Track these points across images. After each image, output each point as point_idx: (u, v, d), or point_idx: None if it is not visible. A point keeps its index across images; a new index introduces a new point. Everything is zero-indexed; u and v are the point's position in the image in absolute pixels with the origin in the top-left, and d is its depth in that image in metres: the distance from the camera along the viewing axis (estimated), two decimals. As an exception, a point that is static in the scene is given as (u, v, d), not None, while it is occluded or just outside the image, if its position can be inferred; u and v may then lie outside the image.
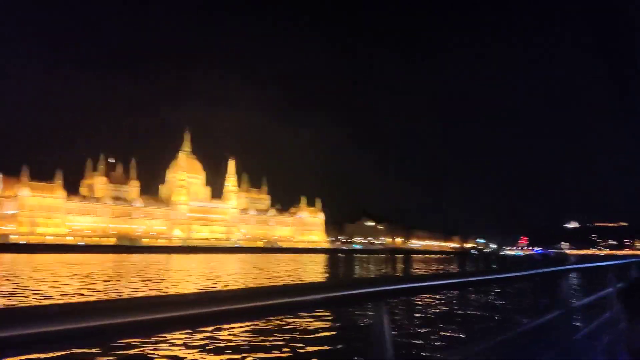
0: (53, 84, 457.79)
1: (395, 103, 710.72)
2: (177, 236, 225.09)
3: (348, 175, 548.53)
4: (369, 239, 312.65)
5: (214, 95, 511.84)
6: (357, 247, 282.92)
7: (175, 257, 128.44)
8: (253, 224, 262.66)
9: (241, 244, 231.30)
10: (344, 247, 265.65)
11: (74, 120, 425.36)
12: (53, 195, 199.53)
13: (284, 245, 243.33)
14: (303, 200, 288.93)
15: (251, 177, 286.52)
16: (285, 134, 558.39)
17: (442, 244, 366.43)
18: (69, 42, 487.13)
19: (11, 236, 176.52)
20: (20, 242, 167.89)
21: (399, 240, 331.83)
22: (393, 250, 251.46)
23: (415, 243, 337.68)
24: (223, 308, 1.44)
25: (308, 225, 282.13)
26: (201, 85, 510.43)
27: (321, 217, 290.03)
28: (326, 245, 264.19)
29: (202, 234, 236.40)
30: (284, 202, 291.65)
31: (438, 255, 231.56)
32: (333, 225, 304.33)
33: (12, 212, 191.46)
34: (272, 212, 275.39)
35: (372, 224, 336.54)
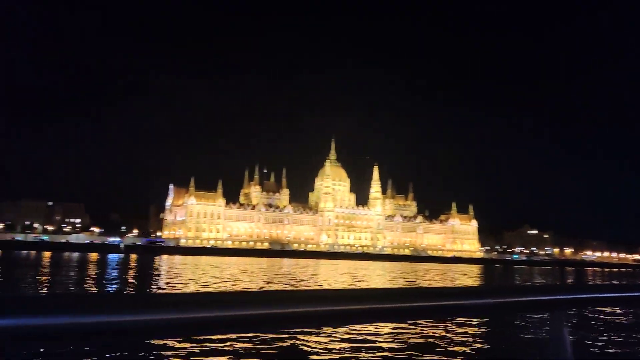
0: (206, 99, 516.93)
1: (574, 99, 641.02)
2: (325, 242, 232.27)
3: (506, 179, 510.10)
4: (531, 249, 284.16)
5: (359, 103, 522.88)
6: (517, 257, 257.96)
7: (323, 262, 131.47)
8: (399, 231, 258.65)
9: (387, 251, 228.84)
10: (501, 258, 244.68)
11: (234, 133, 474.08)
12: (215, 203, 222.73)
13: (433, 254, 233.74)
14: (454, 206, 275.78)
15: (397, 183, 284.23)
16: (433, 139, 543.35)
17: (624, 255, 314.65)
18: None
19: (181, 240, 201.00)
20: (185, 245, 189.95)
21: (568, 251, 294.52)
22: (561, 262, 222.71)
23: (590, 255, 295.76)
24: (375, 306, 1.50)
25: (459, 233, 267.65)
26: (345, 95, 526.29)
27: (474, 224, 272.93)
28: (480, 255, 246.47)
29: (348, 240, 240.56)
30: (432, 208, 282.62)
31: (620, 269, 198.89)
32: (488, 234, 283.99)
33: (182, 218, 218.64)
34: (420, 219, 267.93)
35: (535, 232, 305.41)
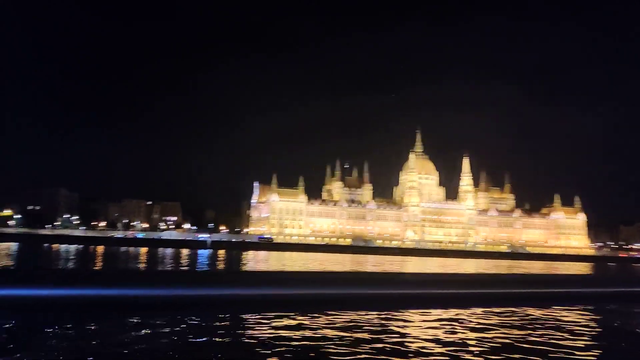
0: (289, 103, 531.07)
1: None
2: (410, 238, 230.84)
3: (621, 168, 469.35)
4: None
5: (444, 94, 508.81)
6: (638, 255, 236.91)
7: (410, 259, 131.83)
8: (494, 226, 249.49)
9: (480, 248, 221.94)
10: (616, 255, 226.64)
11: (314, 129, 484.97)
12: (297, 200, 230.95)
13: (533, 250, 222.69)
14: (557, 198, 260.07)
15: (491, 175, 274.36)
16: (531, 125, 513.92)
17: None
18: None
19: (265, 236, 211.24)
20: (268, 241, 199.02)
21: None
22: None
23: None
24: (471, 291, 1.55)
25: (564, 227, 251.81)
26: (431, 85, 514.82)
27: (582, 218, 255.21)
28: (590, 252, 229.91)
29: (436, 236, 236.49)
30: (532, 201, 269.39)
31: None
32: (600, 228, 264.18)
33: (266, 215, 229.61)
34: (518, 213, 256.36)
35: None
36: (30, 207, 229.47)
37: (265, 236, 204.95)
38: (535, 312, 22.05)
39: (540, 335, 18.18)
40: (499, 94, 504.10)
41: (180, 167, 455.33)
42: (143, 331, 17.17)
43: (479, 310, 21.20)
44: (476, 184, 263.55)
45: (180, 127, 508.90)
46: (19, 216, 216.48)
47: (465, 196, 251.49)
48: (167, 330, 17.46)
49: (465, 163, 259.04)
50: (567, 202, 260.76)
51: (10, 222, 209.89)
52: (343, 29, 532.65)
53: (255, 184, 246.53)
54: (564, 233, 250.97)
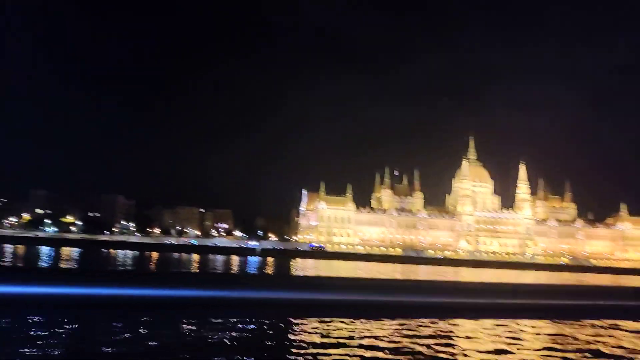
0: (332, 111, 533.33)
1: None
2: (464, 248, 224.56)
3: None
4: None
5: (499, 98, 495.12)
6: None
7: (464, 270, 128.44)
8: (554, 237, 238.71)
9: (539, 260, 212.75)
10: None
11: (364, 136, 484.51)
12: (345, 208, 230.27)
13: (597, 263, 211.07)
14: (623, 207, 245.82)
15: (550, 183, 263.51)
16: (590, 132, 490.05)
17: None
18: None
19: (315, 244, 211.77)
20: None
21: None
22: None
23: None
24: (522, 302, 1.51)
25: (632, 239, 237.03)
26: (485, 88, 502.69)
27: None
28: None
29: (491, 247, 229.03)
30: (596, 210, 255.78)
31: None
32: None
33: (314, 223, 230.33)
34: (580, 222, 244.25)
35: None
36: (90, 214, 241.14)
37: (315, 244, 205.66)
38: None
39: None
40: (559, 97, 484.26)
41: (233, 175, 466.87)
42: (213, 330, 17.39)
43: (540, 322, 20.52)
44: (534, 192, 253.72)
45: (235, 136, 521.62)
46: (80, 223, 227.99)
47: (522, 205, 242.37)
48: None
49: (522, 170, 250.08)
50: (634, 212, 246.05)
51: (73, 228, 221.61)
52: (402, 35, 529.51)
53: (304, 192, 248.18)
54: (631, 245, 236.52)
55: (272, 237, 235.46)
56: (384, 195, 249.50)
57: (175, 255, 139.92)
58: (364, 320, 18.81)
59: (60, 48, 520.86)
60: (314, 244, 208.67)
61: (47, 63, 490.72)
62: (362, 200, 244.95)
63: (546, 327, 20.51)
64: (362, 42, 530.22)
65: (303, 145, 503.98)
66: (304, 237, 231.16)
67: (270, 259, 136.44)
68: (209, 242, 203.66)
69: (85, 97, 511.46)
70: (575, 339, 18.74)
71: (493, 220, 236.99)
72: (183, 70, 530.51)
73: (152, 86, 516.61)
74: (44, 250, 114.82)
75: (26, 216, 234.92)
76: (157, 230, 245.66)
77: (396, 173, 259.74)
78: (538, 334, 19.46)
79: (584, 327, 20.33)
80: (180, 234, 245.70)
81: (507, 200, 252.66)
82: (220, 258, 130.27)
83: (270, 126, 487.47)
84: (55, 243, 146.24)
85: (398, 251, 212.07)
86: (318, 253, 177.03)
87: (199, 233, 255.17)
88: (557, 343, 17.96)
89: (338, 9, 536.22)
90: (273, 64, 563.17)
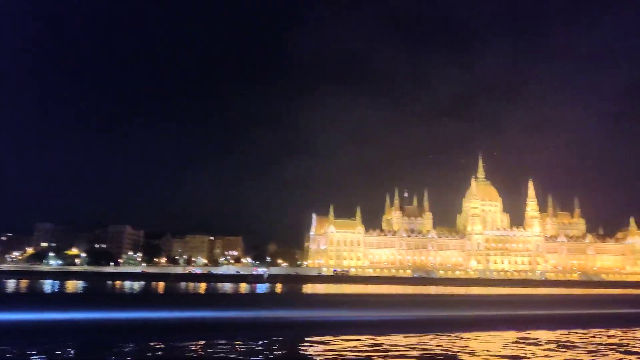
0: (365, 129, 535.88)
1: None
2: (474, 267, 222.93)
3: None
4: None
5: (506, 117, 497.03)
6: None
7: (474, 290, 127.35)
8: (564, 253, 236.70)
9: (550, 276, 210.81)
10: None
11: (373, 159, 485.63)
12: (354, 231, 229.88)
13: (608, 278, 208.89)
14: (632, 222, 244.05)
15: (559, 199, 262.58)
16: (599, 148, 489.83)
17: None
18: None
19: (322, 269, 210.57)
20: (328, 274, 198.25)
21: None
22: None
23: None
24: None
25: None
26: (492, 108, 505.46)
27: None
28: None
29: (502, 265, 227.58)
30: (605, 225, 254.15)
31: None
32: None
33: (324, 247, 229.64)
34: (589, 238, 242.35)
35: None
36: (96, 246, 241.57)
37: (338, 269, 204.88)
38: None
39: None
40: (565, 116, 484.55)
41: (244, 202, 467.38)
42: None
43: (551, 335, 20.92)
44: (543, 209, 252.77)
45: (244, 162, 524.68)
46: (85, 255, 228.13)
47: (532, 222, 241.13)
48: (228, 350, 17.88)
49: (530, 187, 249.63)
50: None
51: (77, 261, 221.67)
52: (415, 56, 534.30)
53: (313, 216, 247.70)
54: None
55: (282, 262, 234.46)
56: (394, 217, 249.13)
57: (182, 284, 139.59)
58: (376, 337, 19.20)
59: (58, 82, 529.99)
60: (337, 268, 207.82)
61: (47, 98, 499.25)
62: (372, 222, 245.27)
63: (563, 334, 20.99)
64: (375, 62, 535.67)
65: (314, 168, 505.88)
66: (313, 262, 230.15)
67: (278, 285, 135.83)
68: (214, 270, 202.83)
69: (90, 128, 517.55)
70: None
71: (503, 239, 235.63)
72: (192, 95, 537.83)
73: (162, 113, 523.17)
74: (48, 283, 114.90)
75: (30, 250, 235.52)
76: (163, 260, 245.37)
77: (406, 194, 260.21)
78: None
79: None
80: (189, 262, 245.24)
81: (517, 217, 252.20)
82: (228, 286, 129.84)
83: (281, 149, 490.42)
84: (59, 276, 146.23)
85: (408, 272, 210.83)
86: (328, 278, 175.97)
87: (207, 261, 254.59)
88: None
89: (353, 31, 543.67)
90: (284, 88, 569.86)
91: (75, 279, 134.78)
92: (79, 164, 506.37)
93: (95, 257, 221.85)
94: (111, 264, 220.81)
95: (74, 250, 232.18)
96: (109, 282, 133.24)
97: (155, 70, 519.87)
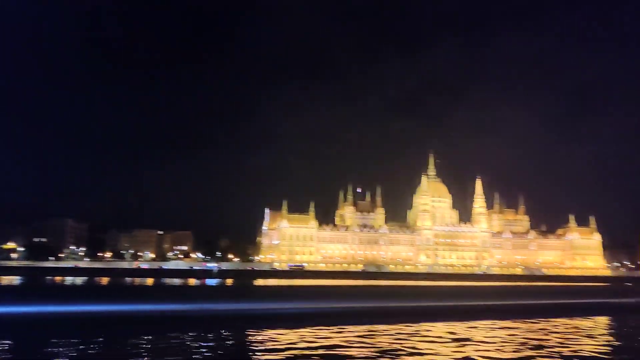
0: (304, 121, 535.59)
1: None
2: (423, 262, 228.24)
3: (636, 187, 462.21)
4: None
5: (456, 117, 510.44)
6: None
7: (423, 284, 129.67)
8: (508, 248, 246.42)
9: (495, 271, 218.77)
10: (632, 275, 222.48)
11: (326, 154, 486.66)
12: (307, 226, 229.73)
13: (549, 272, 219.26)
14: (572, 219, 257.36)
15: (505, 197, 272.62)
16: (542, 148, 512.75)
17: None
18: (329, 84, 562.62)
19: (275, 264, 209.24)
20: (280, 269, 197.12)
21: None
22: None
23: None
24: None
25: (579, 248, 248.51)
26: (443, 108, 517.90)
27: (597, 238, 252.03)
28: (606, 273, 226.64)
29: (450, 260, 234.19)
30: (548, 222, 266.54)
31: None
32: (618, 249, 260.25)
33: (277, 242, 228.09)
34: (532, 234, 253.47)
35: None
36: (36, 239, 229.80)
37: (292, 264, 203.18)
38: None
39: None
40: (510, 116, 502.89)
41: (196, 197, 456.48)
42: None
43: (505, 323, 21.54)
44: (490, 206, 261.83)
45: (196, 157, 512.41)
46: (22, 249, 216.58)
47: (479, 219, 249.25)
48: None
49: (478, 185, 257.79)
50: (582, 223, 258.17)
51: (13, 255, 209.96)
52: (369, 53, 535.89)
53: (266, 211, 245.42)
54: (579, 254, 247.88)
55: (234, 257, 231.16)
56: (347, 212, 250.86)
57: (128, 279, 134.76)
58: (327, 327, 18.74)
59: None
60: (290, 263, 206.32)
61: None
62: (326, 218, 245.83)
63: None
64: (330, 57, 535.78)
65: (267, 163, 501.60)
66: (265, 257, 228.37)
67: (229, 281, 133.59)
68: (164, 265, 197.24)
69: (28, 112, 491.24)
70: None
71: (451, 234, 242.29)
72: (139, 81, 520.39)
73: (107, 98, 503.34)
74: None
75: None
76: (108, 255, 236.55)
77: (359, 190, 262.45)
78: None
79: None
80: (135, 257, 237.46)
81: (465, 214, 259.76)
82: (177, 281, 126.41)
83: (233, 143, 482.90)
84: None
85: (360, 267, 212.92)
86: (282, 272, 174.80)
87: (155, 256, 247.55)
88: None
89: (309, 23, 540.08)
90: (238, 82, 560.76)
91: (11, 275, 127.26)
92: (22, 154, 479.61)
93: (34, 252, 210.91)
94: (51, 258, 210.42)
95: (10, 244, 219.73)
96: (49, 278, 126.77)
97: (108, 60, 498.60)
